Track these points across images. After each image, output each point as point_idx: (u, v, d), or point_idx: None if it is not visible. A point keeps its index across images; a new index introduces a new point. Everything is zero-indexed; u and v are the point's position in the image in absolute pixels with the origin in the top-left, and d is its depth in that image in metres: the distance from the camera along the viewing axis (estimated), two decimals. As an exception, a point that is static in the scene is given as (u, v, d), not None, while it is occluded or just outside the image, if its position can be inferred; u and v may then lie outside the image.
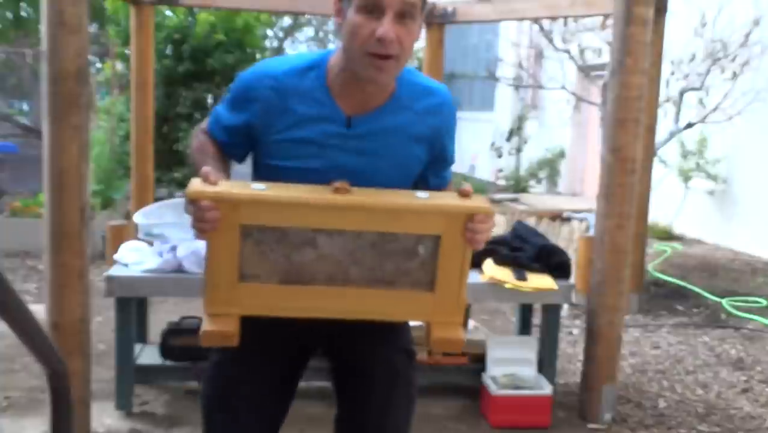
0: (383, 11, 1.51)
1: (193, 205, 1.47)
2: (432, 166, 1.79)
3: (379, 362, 1.76)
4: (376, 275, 1.58)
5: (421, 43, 4.98)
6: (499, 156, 12.41)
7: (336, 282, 1.57)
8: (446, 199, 1.59)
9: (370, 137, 1.67)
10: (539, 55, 10.15)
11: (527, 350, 3.60)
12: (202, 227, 1.49)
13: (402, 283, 1.59)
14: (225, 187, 1.51)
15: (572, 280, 3.67)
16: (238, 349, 1.63)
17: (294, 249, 1.55)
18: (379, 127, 1.68)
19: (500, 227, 6.47)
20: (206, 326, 1.58)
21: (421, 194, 1.59)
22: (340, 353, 1.84)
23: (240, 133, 1.72)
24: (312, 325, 1.67)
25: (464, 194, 1.57)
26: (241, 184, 1.55)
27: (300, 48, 26.71)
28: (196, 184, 1.50)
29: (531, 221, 6.11)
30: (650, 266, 6.64)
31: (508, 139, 12.48)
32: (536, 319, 4.14)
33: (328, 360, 1.88)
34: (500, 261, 3.54)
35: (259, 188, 1.53)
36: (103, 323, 4.65)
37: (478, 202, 1.57)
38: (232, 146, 1.76)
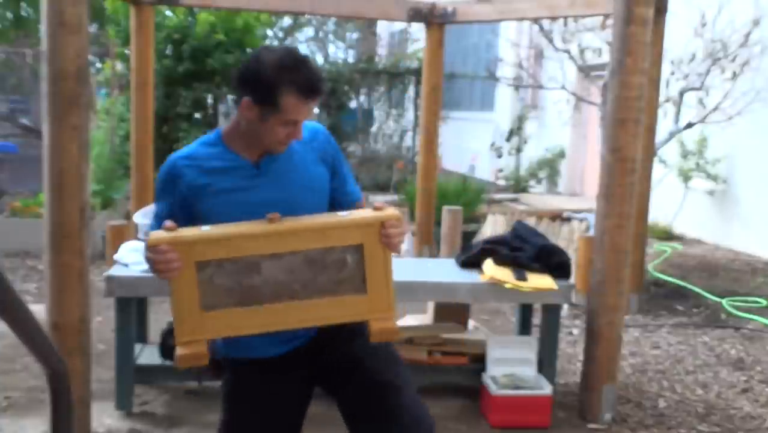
0: (297, 123, 1.93)
1: (154, 250, 1.76)
2: (336, 187, 2.11)
3: (359, 352, 2.04)
4: (315, 287, 1.85)
5: (421, 44, 5.00)
6: (499, 156, 12.41)
7: (283, 298, 1.84)
8: (362, 213, 1.93)
9: (276, 172, 2.00)
10: (539, 55, 10.15)
11: (527, 350, 3.60)
12: (164, 268, 1.77)
13: (339, 290, 1.87)
14: (179, 232, 1.81)
15: (572, 280, 3.67)
16: (246, 402, 2.03)
17: (243, 276, 1.82)
18: (280, 162, 2.01)
19: (500, 226, 6.47)
20: (179, 351, 1.85)
21: (342, 213, 1.93)
22: (329, 374, 2.08)
23: (175, 212, 1.98)
24: (300, 363, 2.03)
25: (378, 208, 1.88)
26: (190, 229, 1.84)
27: (300, 48, 26.66)
28: (154, 233, 1.81)
29: (531, 221, 6.10)
30: (650, 266, 6.64)
31: (508, 139, 12.48)
32: (536, 319, 4.14)
33: (327, 391, 2.11)
34: (500, 261, 3.54)
35: (206, 229, 1.84)
36: (103, 323, 4.65)
37: (388, 212, 1.87)
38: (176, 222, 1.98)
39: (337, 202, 2.10)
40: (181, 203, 1.98)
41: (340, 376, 2.05)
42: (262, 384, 2.05)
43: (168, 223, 1.81)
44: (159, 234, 1.80)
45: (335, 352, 2.04)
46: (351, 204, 2.11)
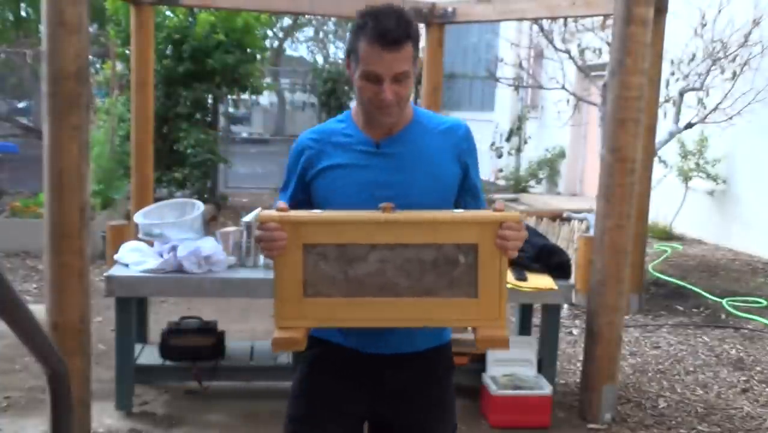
0: (382, 80, 1.80)
1: (263, 227, 1.73)
2: (465, 191, 1.99)
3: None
4: (423, 286, 1.75)
5: (421, 43, 4.99)
6: (499, 156, 12.42)
7: (387, 293, 1.76)
8: (480, 211, 1.84)
9: (399, 155, 1.91)
10: (539, 55, 10.15)
11: (527, 350, 3.60)
12: (270, 246, 1.74)
13: (447, 291, 1.76)
14: (290, 212, 1.77)
15: (572, 280, 3.67)
16: (315, 406, 1.96)
17: (348, 265, 1.75)
18: (406, 145, 1.92)
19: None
20: (277, 334, 1.77)
21: (458, 210, 1.85)
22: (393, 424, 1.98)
23: (297, 190, 1.96)
24: (369, 384, 1.93)
25: (498, 210, 1.76)
26: (303, 211, 1.81)
27: (300, 48, 26.70)
28: (266, 211, 1.78)
29: (531, 221, 6.10)
30: (650, 266, 6.64)
31: (508, 139, 12.49)
32: (536, 319, 4.14)
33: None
34: (500, 261, 3.53)
35: (317, 212, 1.81)
36: (103, 323, 4.65)
37: (508, 213, 1.76)
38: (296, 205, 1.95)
39: (461, 204, 1.99)
40: (302, 180, 1.94)
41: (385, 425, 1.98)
42: (334, 389, 1.96)
43: (280, 203, 1.78)
44: (269, 212, 1.77)
45: (397, 400, 1.95)
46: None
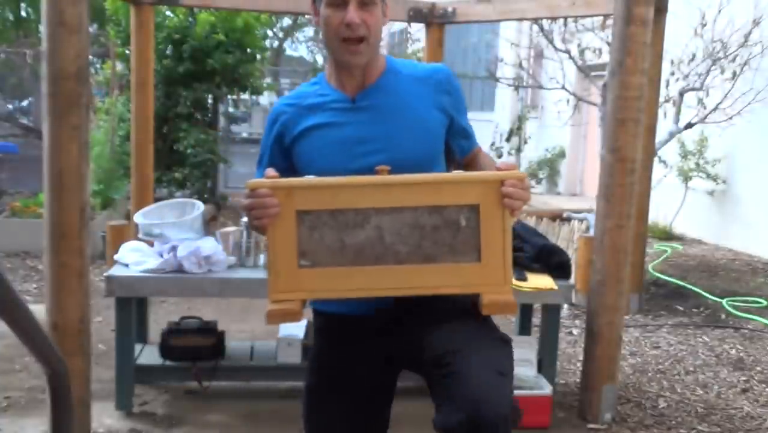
0: (347, 2, 1.76)
1: (253, 194, 1.65)
2: (454, 135, 1.93)
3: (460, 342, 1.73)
4: (424, 251, 1.67)
5: (421, 44, 5.01)
6: (499, 156, 12.41)
7: (387, 261, 1.67)
8: (480, 172, 1.76)
9: (376, 107, 1.85)
10: (539, 55, 10.15)
11: (527, 350, 3.60)
12: (261, 214, 1.65)
13: (449, 256, 1.68)
14: (280, 179, 1.69)
15: (572, 280, 3.66)
16: (327, 377, 1.89)
17: (346, 232, 1.67)
18: (382, 96, 1.86)
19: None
20: (270, 306, 1.69)
21: (457, 171, 1.77)
22: (421, 355, 1.78)
23: (275, 156, 1.91)
24: (386, 333, 1.82)
25: (500, 169, 1.69)
26: (294, 178, 1.73)
27: (300, 48, 26.66)
28: (254, 179, 1.70)
29: (531, 221, 6.10)
30: (650, 266, 6.64)
31: (508, 139, 12.48)
32: (536, 319, 4.14)
33: (414, 371, 1.87)
34: (500, 261, 3.53)
35: (309, 177, 1.72)
36: (103, 323, 4.65)
37: (510, 171, 1.68)
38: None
39: (451, 150, 1.94)
40: (279, 146, 1.90)
41: (414, 355, 1.78)
42: (346, 358, 1.89)
43: (270, 171, 1.71)
44: (258, 179, 1.69)
45: (412, 328, 1.79)
46: (465, 153, 1.96)
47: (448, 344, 1.68)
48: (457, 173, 1.75)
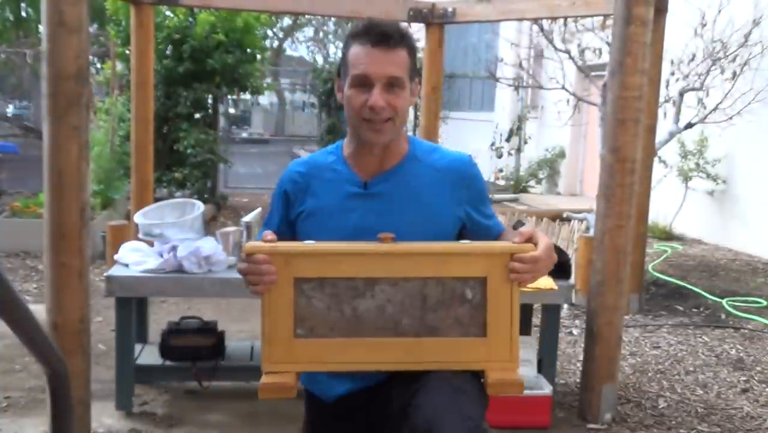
0: (372, 84, 1.68)
1: (249, 259, 1.58)
2: (472, 231, 1.83)
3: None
4: (427, 324, 1.61)
5: (421, 44, 5.01)
6: (499, 156, 12.42)
7: (388, 333, 1.61)
8: (488, 243, 1.69)
9: (388, 195, 1.76)
10: (539, 55, 10.15)
11: (527, 350, 3.60)
12: (257, 281, 1.58)
13: (454, 330, 1.62)
14: (279, 243, 1.62)
15: (572, 280, 3.66)
16: None
17: (345, 302, 1.60)
18: (397, 184, 1.77)
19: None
20: (264, 379, 1.62)
21: (464, 242, 1.69)
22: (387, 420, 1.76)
23: (282, 226, 1.84)
24: (362, 406, 1.78)
25: (517, 240, 1.63)
26: (293, 243, 1.67)
27: (300, 48, 26.68)
28: (252, 242, 1.63)
29: (531, 221, 6.10)
30: (650, 266, 6.64)
31: (508, 139, 12.48)
32: (536, 319, 4.15)
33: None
34: (500, 261, 3.53)
35: (309, 243, 1.65)
36: (103, 323, 4.65)
37: (520, 244, 1.63)
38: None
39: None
40: (285, 213, 1.83)
41: (393, 422, 1.70)
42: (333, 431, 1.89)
43: (268, 234, 1.63)
44: (256, 243, 1.62)
45: (396, 397, 1.70)
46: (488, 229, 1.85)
47: (414, 384, 1.63)
48: (465, 243, 1.68)
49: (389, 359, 1.62)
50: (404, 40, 1.71)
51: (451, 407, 1.56)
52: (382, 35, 1.67)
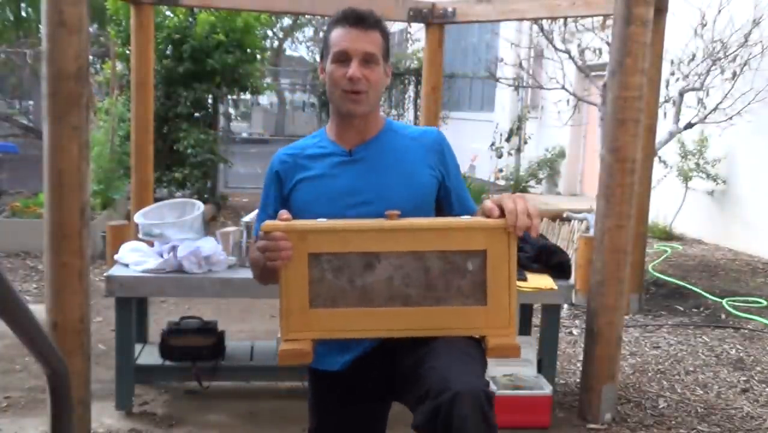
0: (350, 59, 1.90)
1: (267, 237, 1.72)
2: (443, 197, 2.01)
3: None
4: (431, 294, 1.74)
5: (421, 44, 5.02)
6: (499, 156, 12.41)
7: (396, 303, 1.74)
8: (487, 219, 1.77)
9: (371, 158, 1.96)
10: (539, 55, 10.15)
11: (527, 350, 3.60)
12: (275, 256, 1.71)
13: (456, 299, 1.74)
14: (294, 221, 1.77)
15: (572, 280, 3.66)
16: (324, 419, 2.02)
17: (356, 274, 1.74)
18: (378, 150, 1.98)
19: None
20: (283, 346, 1.75)
21: (465, 217, 1.81)
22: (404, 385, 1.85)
23: (276, 206, 1.97)
24: (365, 375, 1.92)
25: (487, 208, 1.74)
26: (307, 221, 1.80)
27: (300, 48, 26.67)
28: (269, 221, 1.77)
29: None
30: (650, 266, 6.64)
31: (508, 139, 12.48)
32: (536, 319, 4.15)
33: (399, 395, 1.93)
34: (500, 261, 3.53)
35: (322, 221, 1.77)
36: (103, 323, 4.65)
37: (507, 217, 1.72)
38: None
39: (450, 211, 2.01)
40: (279, 194, 2.01)
41: (402, 384, 1.83)
42: (338, 404, 2.00)
43: (284, 213, 1.77)
44: (273, 222, 1.76)
45: (401, 361, 1.82)
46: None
47: (421, 348, 1.76)
48: (465, 219, 1.79)
49: (397, 326, 1.75)
50: (378, 25, 1.94)
51: (463, 368, 1.68)
52: (359, 18, 1.90)
